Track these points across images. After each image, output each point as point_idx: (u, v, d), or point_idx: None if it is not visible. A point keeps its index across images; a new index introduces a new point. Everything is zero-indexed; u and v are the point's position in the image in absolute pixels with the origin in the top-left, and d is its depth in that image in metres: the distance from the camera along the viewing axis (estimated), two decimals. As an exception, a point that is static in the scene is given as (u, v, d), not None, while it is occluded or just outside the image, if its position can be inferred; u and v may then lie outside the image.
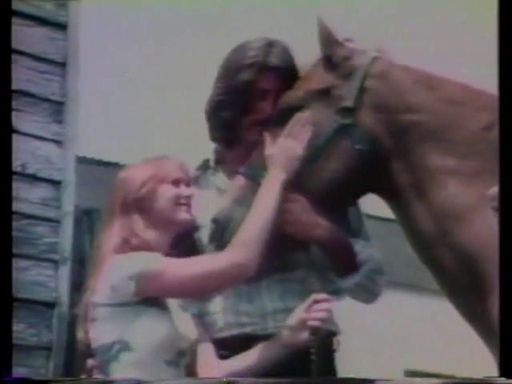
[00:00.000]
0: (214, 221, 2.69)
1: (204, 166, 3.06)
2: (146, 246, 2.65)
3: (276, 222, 2.61)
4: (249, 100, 2.94)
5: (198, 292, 2.69)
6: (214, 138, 3.06)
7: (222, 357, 2.76)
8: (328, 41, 2.69)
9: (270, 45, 2.98)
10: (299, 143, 2.65)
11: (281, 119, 2.73)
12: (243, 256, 2.54)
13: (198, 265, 2.60)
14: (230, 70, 2.99)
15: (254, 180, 2.67)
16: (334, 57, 2.69)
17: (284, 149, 2.66)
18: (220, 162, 3.07)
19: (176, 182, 2.74)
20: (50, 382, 2.75)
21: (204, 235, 2.82)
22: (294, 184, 2.64)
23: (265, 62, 2.96)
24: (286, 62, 2.97)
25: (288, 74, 2.96)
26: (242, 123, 2.96)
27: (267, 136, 2.75)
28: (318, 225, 2.69)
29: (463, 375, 16.87)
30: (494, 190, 1.23)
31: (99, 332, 2.62)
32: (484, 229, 2.31)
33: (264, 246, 2.56)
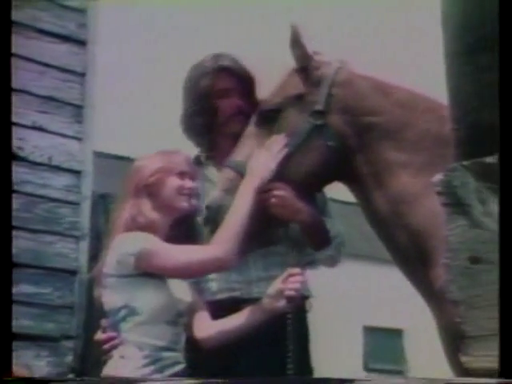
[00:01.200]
0: (207, 207, 2.68)
1: (196, 162, 3.04)
2: (150, 225, 2.64)
3: (266, 207, 2.60)
4: (213, 101, 2.96)
5: (184, 275, 2.67)
6: (197, 145, 3.06)
7: (214, 317, 2.74)
8: (303, 55, 2.66)
9: (218, 55, 3.03)
10: (274, 159, 2.62)
11: (261, 121, 2.71)
12: (224, 252, 2.52)
13: (187, 254, 2.58)
14: (192, 84, 3.01)
15: (239, 172, 2.65)
16: (307, 68, 2.67)
17: (261, 162, 2.63)
18: (209, 157, 3.05)
19: (182, 175, 2.73)
20: (50, 382, 2.69)
21: (200, 219, 2.80)
22: (279, 175, 2.61)
23: (216, 65, 2.98)
24: (235, 63, 2.99)
25: (241, 74, 2.98)
26: (214, 122, 2.97)
27: (249, 136, 2.73)
28: (301, 209, 2.68)
29: (410, 327, 16.89)
30: (438, 177, 1.22)
31: (109, 298, 2.60)
32: (430, 211, 2.30)
33: (241, 241, 2.53)
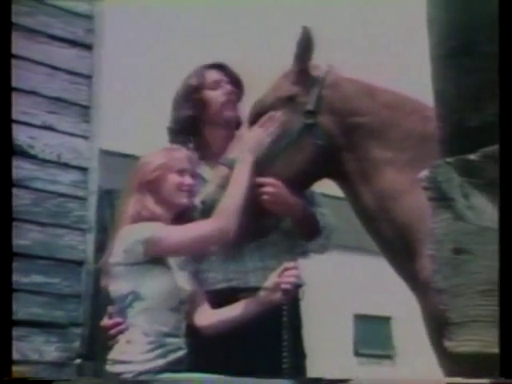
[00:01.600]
0: (202, 202, 2.67)
1: None
2: (153, 218, 2.64)
3: (260, 202, 2.60)
4: (204, 92, 2.96)
5: (191, 251, 2.68)
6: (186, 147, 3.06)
7: (214, 305, 2.74)
8: (308, 57, 2.64)
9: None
10: (266, 133, 2.61)
11: (254, 120, 2.70)
12: (224, 223, 2.52)
13: (191, 230, 2.58)
14: (183, 86, 3.03)
15: (232, 169, 2.64)
16: (304, 70, 2.65)
17: (254, 137, 2.63)
18: (202, 157, 3.05)
19: (182, 172, 2.72)
20: (51, 382, 2.69)
21: (197, 212, 2.80)
22: (271, 171, 2.61)
23: (205, 65, 2.98)
24: (221, 63, 3.00)
25: (230, 71, 2.98)
26: (206, 114, 2.98)
27: (240, 135, 2.73)
28: (293, 205, 2.67)
29: (397, 315, 16.91)
30: (424, 173, 1.22)
31: (116, 285, 2.60)
32: (415, 205, 2.30)
33: (240, 214, 2.53)
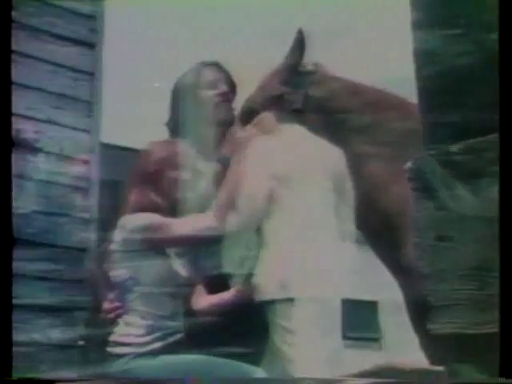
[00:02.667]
0: (198, 197, 2.68)
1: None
2: (152, 207, 2.64)
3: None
4: (199, 93, 2.95)
5: (184, 243, 2.68)
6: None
7: (208, 290, 2.75)
8: (301, 58, 2.63)
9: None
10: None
11: (244, 118, 2.69)
12: (217, 221, 2.53)
13: (184, 225, 2.59)
14: (180, 84, 2.99)
15: (225, 166, 2.63)
16: (294, 70, 2.64)
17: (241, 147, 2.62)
18: (198, 152, 3.02)
19: (179, 167, 2.73)
20: (53, 382, 2.69)
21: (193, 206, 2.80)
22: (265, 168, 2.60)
23: (201, 64, 2.96)
24: (216, 62, 2.97)
25: (224, 72, 2.96)
26: (203, 114, 2.95)
27: (234, 133, 2.72)
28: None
29: (383, 300, 16.89)
30: (408, 165, 1.23)
31: (116, 272, 2.61)
32: (400, 195, 2.30)
33: (233, 210, 2.52)
